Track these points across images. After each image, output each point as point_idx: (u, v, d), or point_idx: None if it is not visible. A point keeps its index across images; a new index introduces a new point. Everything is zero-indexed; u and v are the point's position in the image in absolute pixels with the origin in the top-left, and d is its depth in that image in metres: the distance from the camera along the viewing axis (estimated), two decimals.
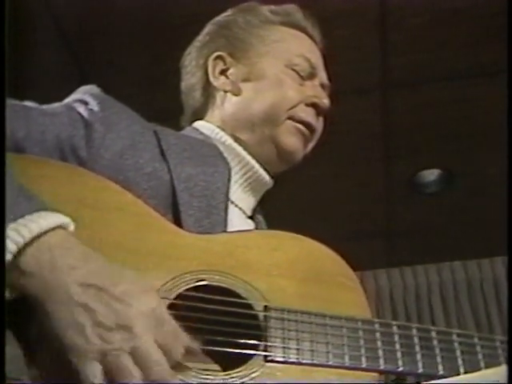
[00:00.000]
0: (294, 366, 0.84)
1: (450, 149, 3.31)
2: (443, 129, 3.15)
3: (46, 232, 0.72)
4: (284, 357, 0.84)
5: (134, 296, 0.73)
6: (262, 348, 0.83)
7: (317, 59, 1.29)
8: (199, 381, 0.78)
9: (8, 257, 0.70)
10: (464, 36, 2.68)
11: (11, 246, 0.70)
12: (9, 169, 0.78)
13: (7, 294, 0.71)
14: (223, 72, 1.25)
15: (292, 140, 1.20)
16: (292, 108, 1.20)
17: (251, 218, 1.21)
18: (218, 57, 1.26)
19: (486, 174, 3.39)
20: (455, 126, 3.13)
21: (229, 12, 1.33)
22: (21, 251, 0.71)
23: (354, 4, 2.53)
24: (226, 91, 1.24)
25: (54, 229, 0.73)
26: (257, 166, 1.20)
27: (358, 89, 2.92)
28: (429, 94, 2.97)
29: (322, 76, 1.30)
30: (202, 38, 1.32)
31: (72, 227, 0.77)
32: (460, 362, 0.89)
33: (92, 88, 1.09)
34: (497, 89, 2.68)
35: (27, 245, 0.71)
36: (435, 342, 0.90)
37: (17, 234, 0.70)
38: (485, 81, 2.88)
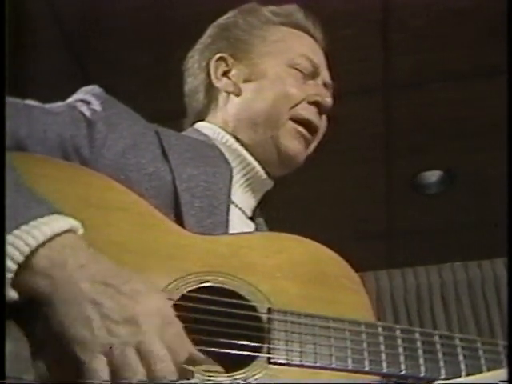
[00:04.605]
0: (296, 369, 0.84)
1: (452, 149, 3.31)
2: (445, 129, 3.15)
3: (57, 234, 0.73)
4: (287, 359, 0.84)
5: (142, 294, 0.74)
6: (265, 350, 0.83)
7: (319, 58, 1.29)
8: (202, 381, 0.78)
9: (20, 259, 0.70)
10: (465, 36, 2.68)
11: (24, 248, 0.70)
12: (16, 171, 0.78)
13: (15, 296, 0.71)
14: (225, 73, 1.26)
15: (293, 143, 1.19)
16: (294, 106, 1.20)
17: (251, 219, 1.20)
18: (220, 58, 1.26)
19: (487, 174, 3.39)
20: (457, 127, 3.12)
21: (230, 14, 1.33)
22: (33, 253, 0.71)
23: (357, 4, 2.53)
24: (228, 92, 1.24)
25: (65, 232, 0.74)
26: (258, 166, 1.20)
27: (359, 89, 2.91)
28: (431, 94, 2.97)
29: (325, 75, 1.29)
30: (203, 40, 1.32)
31: (81, 231, 0.77)
32: (463, 366, 0.89)
33: (94, 88, 1.09)
34: (498, 89, 2.68)
35: (39, 246, 0.72)
36: (438, 347, 0.90)
37: (29, 236, 0.71)
38: (486, 81, 2.87)
